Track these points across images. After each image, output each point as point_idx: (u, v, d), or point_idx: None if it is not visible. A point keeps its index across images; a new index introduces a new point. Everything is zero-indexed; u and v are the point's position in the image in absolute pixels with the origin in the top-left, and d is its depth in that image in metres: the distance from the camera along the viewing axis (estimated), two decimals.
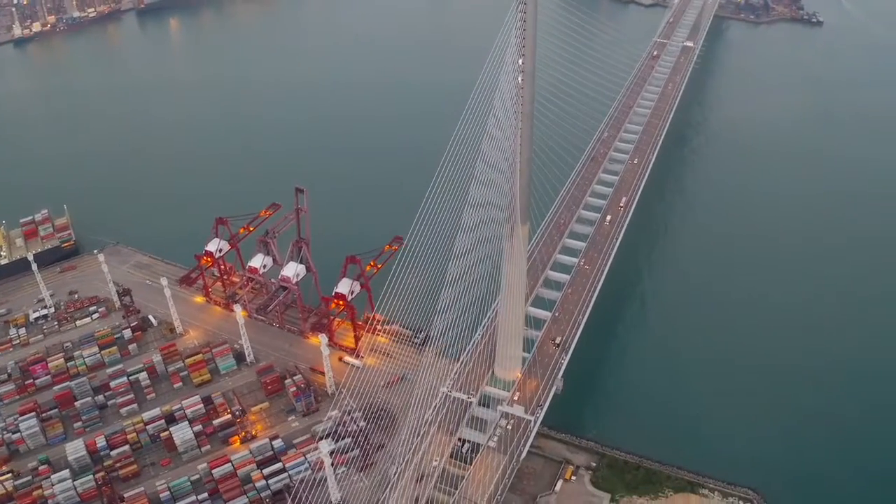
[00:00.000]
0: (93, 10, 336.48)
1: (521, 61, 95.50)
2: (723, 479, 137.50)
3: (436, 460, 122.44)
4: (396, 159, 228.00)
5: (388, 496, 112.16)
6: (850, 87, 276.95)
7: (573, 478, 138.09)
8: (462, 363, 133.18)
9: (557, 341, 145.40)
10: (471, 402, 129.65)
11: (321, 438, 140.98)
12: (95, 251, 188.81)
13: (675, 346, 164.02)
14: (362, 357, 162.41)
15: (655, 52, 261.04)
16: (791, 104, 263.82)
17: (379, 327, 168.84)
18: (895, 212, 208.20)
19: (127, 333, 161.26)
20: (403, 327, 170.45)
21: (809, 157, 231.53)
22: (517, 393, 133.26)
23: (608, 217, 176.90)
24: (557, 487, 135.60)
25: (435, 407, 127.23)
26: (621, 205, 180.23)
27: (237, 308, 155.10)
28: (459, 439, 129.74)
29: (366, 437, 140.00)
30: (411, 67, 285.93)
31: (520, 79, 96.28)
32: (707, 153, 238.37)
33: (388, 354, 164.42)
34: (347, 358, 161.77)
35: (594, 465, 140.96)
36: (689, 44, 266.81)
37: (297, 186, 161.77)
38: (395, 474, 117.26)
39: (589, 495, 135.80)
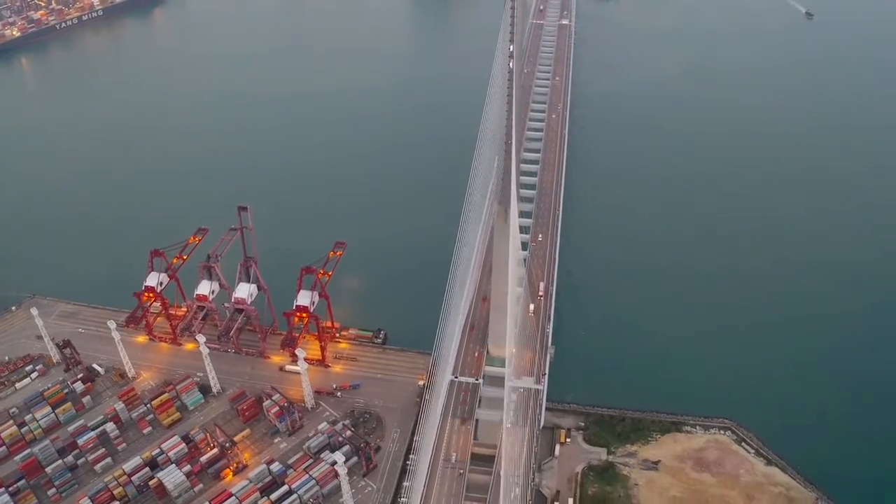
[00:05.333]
0: None
1: (511, 48, 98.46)
2: (701, 415, 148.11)
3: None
4: (315, 168, 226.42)
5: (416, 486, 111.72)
6: (711, 45, 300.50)
7: (568, 440, 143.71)
8: (456, 349, 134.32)
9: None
10: (479, 384, 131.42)
11: (318, 452, 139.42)
12: (13, 307, 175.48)
13: (631, 307, 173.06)
14: (329, 365, 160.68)
15: (542, 6, 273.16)
16: (661, 68, 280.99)
17: (342, 333, 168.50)
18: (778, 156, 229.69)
19: (78, 386, 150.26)
20: (364, 330, 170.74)
21: (695, 117, 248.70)
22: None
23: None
24: (556, 452, 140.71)
25: (445, 394, 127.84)
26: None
27: (200, 338, 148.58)
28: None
29: (366, 442, 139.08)
30: (290, 76, 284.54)
31: (511, 64, 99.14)
32: (605, 126, 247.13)
33: (353, 359, 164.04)
34: (289, 367, 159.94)
35: (582, 424, 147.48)
36: (565, 22, 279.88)
37: (240, 205, 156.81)
38: (427, 466, 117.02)
39: (587, 453, 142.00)
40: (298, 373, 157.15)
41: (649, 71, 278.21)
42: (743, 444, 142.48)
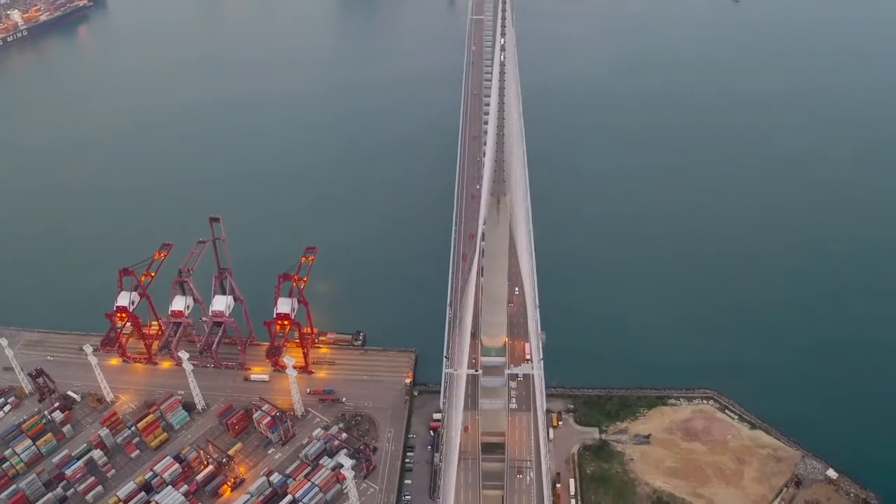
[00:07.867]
0: None
1: (502, 41, 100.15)
2: (683, 387, 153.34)
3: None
4: (273, 177, 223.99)
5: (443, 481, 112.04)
6: (640, 34, 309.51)
7: (560, 423, 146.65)
8: (450, 343, 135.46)
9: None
10: (478, 375, 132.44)
11: (317, 459, 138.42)
12: None
13: (608, 292, 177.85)
14: (312, 371, 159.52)
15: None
16: (595, 60, 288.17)
17: (321, 338, 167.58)
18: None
19: (56, 416, 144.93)
20: (343, 333, 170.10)
21: (645, 108, 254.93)
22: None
23: None
24: (551, 435, 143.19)
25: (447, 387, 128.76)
26: None
27: (183, 355, 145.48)
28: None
29: (365, 444, 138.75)
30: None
31: (502, 57, 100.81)
32: (556, 120, 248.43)
33: (332, 363, 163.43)
34: (253, 376, 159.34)
35: (572, 407, 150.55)
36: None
37: (212, 216, 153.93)
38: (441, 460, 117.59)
39: (580, 434, 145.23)
40: (265, 381, 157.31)
41: (585, 64, 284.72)
42: (726, 411, 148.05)
